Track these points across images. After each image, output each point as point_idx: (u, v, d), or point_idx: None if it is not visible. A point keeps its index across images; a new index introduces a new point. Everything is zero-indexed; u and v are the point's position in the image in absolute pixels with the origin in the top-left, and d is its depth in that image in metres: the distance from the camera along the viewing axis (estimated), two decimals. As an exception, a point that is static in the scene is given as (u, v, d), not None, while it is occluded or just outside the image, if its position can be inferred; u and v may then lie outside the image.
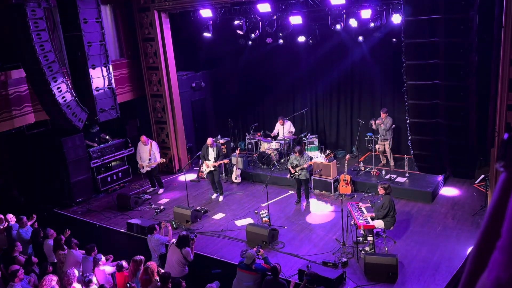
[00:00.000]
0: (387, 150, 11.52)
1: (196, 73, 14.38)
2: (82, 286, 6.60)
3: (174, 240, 7.82)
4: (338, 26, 10.66)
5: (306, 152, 11.13)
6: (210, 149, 10.86)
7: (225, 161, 11.52)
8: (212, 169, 10.83)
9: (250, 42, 13.24)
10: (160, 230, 8.54)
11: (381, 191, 8.24)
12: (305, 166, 10.07)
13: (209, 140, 10.93)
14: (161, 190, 12.01)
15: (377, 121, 11.51)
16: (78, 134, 11.24)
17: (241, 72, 15.02)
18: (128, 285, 6.63)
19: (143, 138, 11.60)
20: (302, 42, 12.38)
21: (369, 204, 8.80)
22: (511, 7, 7.86)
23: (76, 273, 6.90)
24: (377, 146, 11.80)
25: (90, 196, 11.68)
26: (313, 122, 14.22)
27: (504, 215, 0.80)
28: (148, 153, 11.57)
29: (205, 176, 11.40)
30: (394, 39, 11.01)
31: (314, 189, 11.25)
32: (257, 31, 12.10)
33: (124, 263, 7.12)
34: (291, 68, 13.98)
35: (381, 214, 8.10)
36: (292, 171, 10.21)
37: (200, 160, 11.54)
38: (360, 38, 11.73)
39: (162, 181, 12.21)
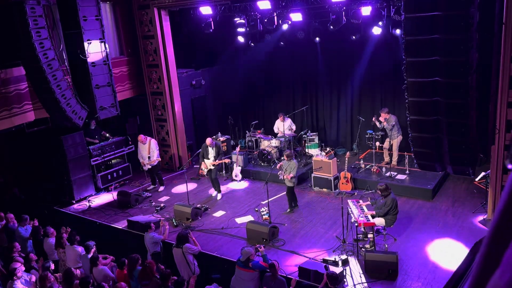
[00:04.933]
0: (394, 147, 11.48)
1: (196, 70, 14.37)
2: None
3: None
4: (332, 27, 10.69)
5: (296, 160, 10.61)
6: (210, 148, 10.83)
7: (226, 160, 11.45)
8: (212, 167, 10.82)
9: (250, 40, 13.21)
10: (159, 229, 8.53)
11: (379, 193, 8.25)
12: (286, 176, 9.75)
13: (208, 140, 10.87)
14: (161, 188, 12.01)
15: (380, 124, 11.43)
16: (78, 132, 11.25)
17: (241, 69, 14.99)
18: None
19: (141, 137, 11.59)
20: (302, 39, 12.35)
21: (369, 202, 8.79)
22: (512, 3, 7.83)
23: (78, 271, 6.92)
24: (377, 144, 11.77)
25: (90, 194, 11.68)
26: (313, 119, 14.20)
27: None
28: (147, 151, 11.58)
29: (205, 173, 11.38)
30: (398, 30, 10.86)
31: (314, 186, 11.25)
32: (257, 28, 12.07)
33: (125, 260, 7.11)
34: (291, 65, 13.95)
35: (381, 212, 8.10)
36: (280, 176, 10.05)
37: (200, 158, 11.52)
38: (360, 35, 11.69)
39: (163, 178, 12.22)
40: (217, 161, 10.82)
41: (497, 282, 0.76)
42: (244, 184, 12.05)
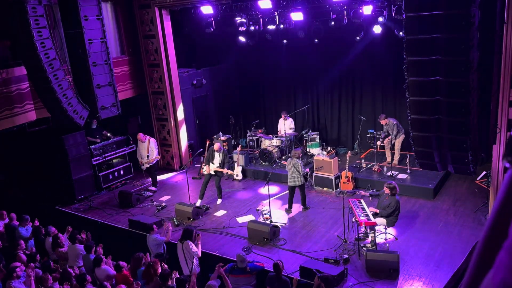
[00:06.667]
0: (396, 146, 11.50)
1: (197, 70, 14.36)
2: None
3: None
4: (332, 23, 10.74)
5: (291, 159, 10.01)
6: (216, 154, 10.71)
7: (230, 172, 11.19)
8: (213, 173, 10.72)
9: (251, 39, 13.20)
10: (162, 229, 8.52)
11: (386, 190, 8.25)
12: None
13: (216, 146, 10.68)
14: (153, 188, 11.94)
15: (385, 138, 11.47)
16: (79, 132, 11.26)
17: (242, 69, 15.00)
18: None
19: (140, 135, 11.60)
20: (303, 39, 12.33)
21: (368, 195, 8.73)
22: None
23: (76, 271, 6.92)
24: (378, 143, 11.77)
25: (91, 193, 11.69)
26: (314, 118, 14.20)
27: (511, 214, 0.79)
28: (146, 150, 11.59)
29: (204, 173, 11.31)
30: (401, 32, 10.86)
31: (315, 186, 11.25)
32: (258, 28, 12.07)
33: (122, 263, 7.09)
34: (292, 65, 13.94)
35: (385, 213, 8.13)
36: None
37: (202, 158, 11.47)
38: (361, 34, 11.69)
39: (159, 179, 12.23)
40: (223, 169, 10.62)
41: (490, 282, 0.76)
42: (245, 184, 12.05)
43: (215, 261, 8.28)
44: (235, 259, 7.17)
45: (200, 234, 7.91)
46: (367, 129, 12.17)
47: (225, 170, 10.61)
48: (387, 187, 8.26)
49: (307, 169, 10.13)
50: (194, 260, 7.48)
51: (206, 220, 10.00)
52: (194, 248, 7.44)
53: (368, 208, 8.35)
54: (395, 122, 11.39)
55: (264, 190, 10.54)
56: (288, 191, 10.11)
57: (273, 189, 11.14)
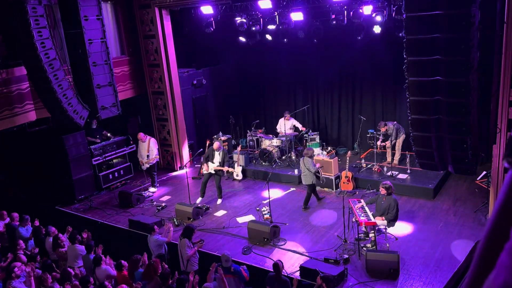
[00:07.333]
0: (397, 146, 11.50)
1: (197, 70, 14.36)
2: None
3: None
4: (333, 22, 10.81)
5: (302, 158, 10.32)
6: (216, 153, 10.71)
7: (230, 169, 11.15)
8: (213, 172, 10.73)
9: (251, 39, 13.20)
10: (163, 228, 8.52)
11: (382, 191, 8.25)
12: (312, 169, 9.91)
13: (216, 145, 10.67)
14: (152, 189, 11.94)
15: (386, 142, 11.50)
16: (79, 132, 11.26)
17: (242, 69, 15.00)
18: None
19: (140, 135, 11.60)
20: (303, 39, 12.33)
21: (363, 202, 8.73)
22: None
23: (76, 271, 6.91)
24: (378, 143, 11.77)
25: (92, 194, 11.69)
26: (314, 118, 14.19)
27: None
28: (147, 150, 11.59)
29: (203, 173, 11.30)
30: (399, 30, 10.90)
31: (316, 186, 11.23)
32: (258, 28, 12.08)
33: (124, 262, 7.09)
34: (292, 65, 13.94)
35: (391, 216, 8.13)
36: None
37: (202, 158, 11.47)
38: (362, 34, 11.68)
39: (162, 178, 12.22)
40: (224, 168, 10.60)
41: (491, 284, 0.76)
42: (245, 184, 12.04)
43: (215, 261, 8.30)
44: (237, 260, 7.16)
45: (203, 242, 7.87)
46: (367, 129, 12.17)
47: (225, 168, 10.62)
48: (382, 187, 8.27)
49: (318, 165, 10.12)
50: (193, 259, 7.49)
51: (206, 220, 10.00)
52: (188, 249, 7.44)
53: (369, 211, 8.35)
54: (394, 125, 11.38)
55: (264, 190, 10.54)
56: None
57: (273, 189, 11.12)
